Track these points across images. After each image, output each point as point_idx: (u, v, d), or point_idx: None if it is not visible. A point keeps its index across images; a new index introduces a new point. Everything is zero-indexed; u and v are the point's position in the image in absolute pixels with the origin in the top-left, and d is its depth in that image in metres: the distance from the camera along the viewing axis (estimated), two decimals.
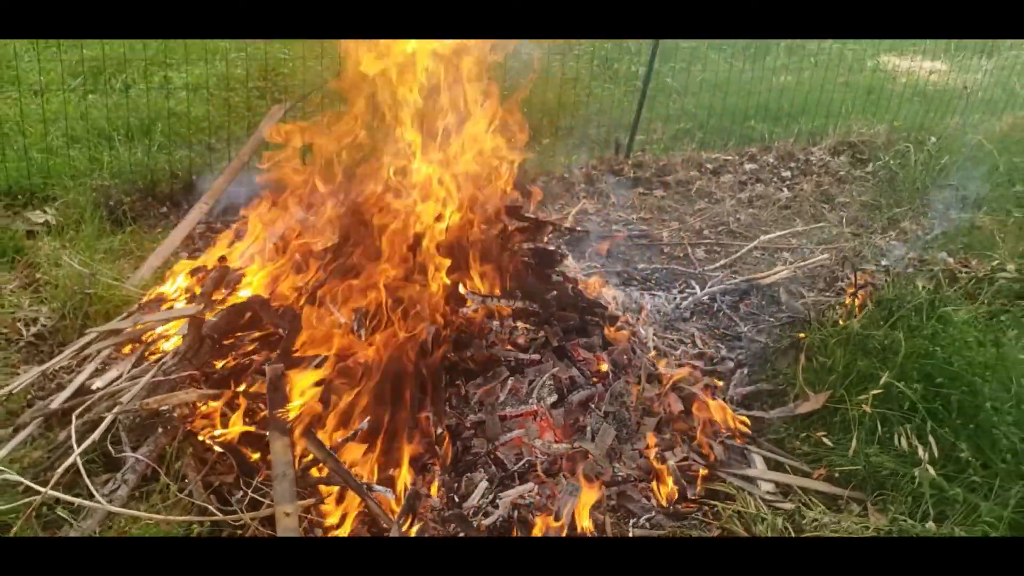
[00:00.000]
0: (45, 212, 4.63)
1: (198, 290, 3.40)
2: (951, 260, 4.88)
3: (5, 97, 5.46)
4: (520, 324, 3.53)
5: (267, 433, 2.88)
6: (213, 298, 3.29)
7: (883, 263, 4.97)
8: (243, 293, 3.36)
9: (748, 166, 6.11)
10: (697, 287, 4.63)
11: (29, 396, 3.36)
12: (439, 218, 3.41)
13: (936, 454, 3.16)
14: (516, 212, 3.65)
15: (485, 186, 3.52)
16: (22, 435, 3.01)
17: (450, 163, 3.44)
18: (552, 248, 3.85)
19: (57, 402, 3.16)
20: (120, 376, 3.24)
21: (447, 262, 3.34)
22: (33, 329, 3.82)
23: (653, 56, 6.02)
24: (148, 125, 5.45)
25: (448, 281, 3.36)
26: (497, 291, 3.49)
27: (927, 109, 7.02)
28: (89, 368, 3.35)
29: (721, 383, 3.84)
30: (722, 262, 4.90)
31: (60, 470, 2.76)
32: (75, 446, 2.83)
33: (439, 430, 3.15)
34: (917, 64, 8.23)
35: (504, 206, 3.57)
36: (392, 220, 3.33)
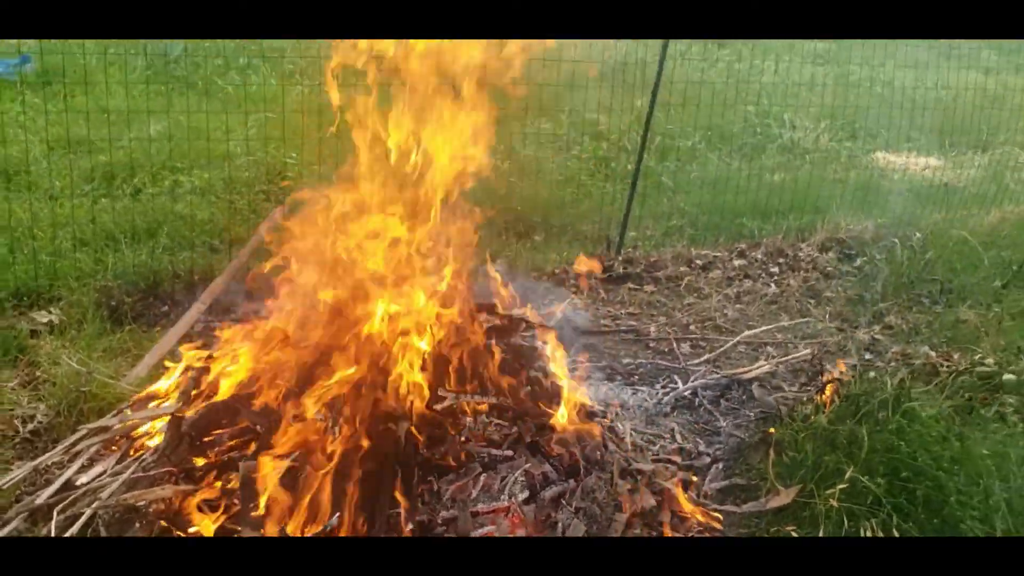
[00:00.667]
0: (50, 312, 4.82)
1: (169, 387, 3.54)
2: (933, 354, 4.94)
3: (21, 202, 5.73)
4: (494, 420, 3.63)
5: (239, 528, 2.98)
6: (195, 395, 3.42)
7: (866, 357, 5.05)
8: (225, 390, 3.49)
9: (737, 262, 6.25)
10: (680, 382, 4.71)
11: (18, 491, 3.49)
12: (416, 316, 3.57)
13: None
14: (490, 309, 3.78)
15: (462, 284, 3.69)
16: (6, 529, 3.12)
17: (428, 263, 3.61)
18: (528, 344, 3.97)
19: (42, 497, 3.27)
20: (104, 472, 3.36)
21: (420, 358, 3.46)
22: (30, 426, 3.96)
23: (641, 154, 6.24)
24: (154, 228, 5.69)
25: (422, 378, 3.48)
26: (471, 388, 3.59)
27: (919, 205, 7.17)
28: (76, 464, 3.47)
29: (696, 478, 3.89)
30: (706, 357, 4.99)
31: None
32: None
33: (410, 526, 3.22)
34: (911, 160, 8.43)
35: (478, 304, 3.72)
36: (368, 318, 3.48)
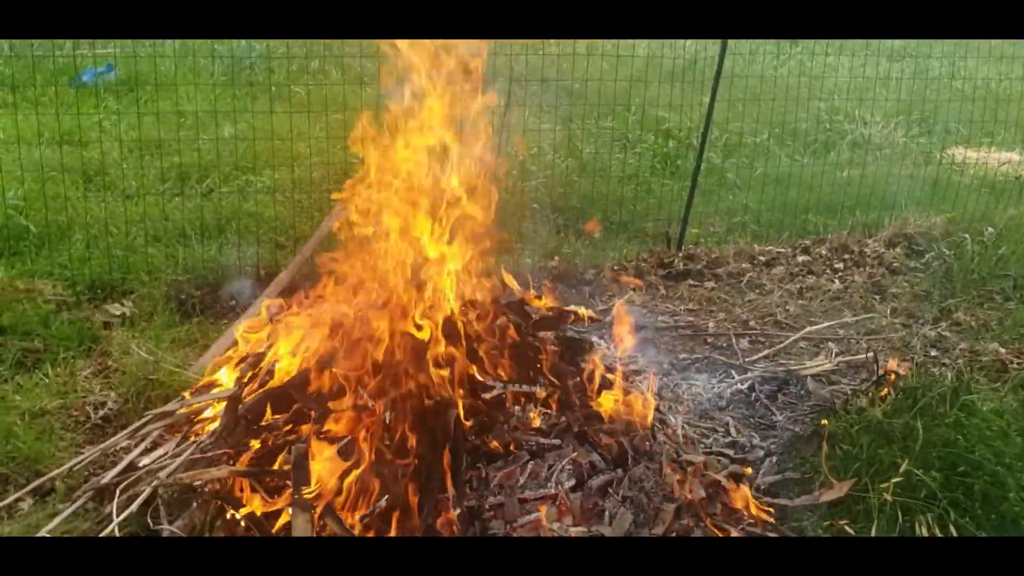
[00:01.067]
0: (122, 305, 5.03)
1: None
2: (1003, 350, 4.81)
3: (99, 201, 5.97)
4: (542, 409, 3.66)
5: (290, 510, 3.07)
6: (251, 380, 3.53)
7: (932, 353, 4.93)
8: (280, 375, 3.60)
9: (801, 258, 6.15)
10: (737, 376, 4.67)
11: (87, 473, 3.65)
12: (465, 307, 3.63)
13: None
14: (540, 301, 3.82)
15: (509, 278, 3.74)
16: (72, 507, 3.27)
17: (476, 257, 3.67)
18: (579, 337, 3.99)
19: (107, 478, 3.42)
20: (165, 454, 3.49)
21: (469, 347, 3.52)
22: (101, 412, 4.14)
23: (701, 151, 6.20)
24: (223, 224, 5.87)
25: (472, 367, 3.54)
26: (520, 377, 3.63)
27: (994, 200, 6.96)
28: (140, 447, 3.61)
29: (750, 471, 3.85)
30: (764, 352, 4.93)
31: None
32: (115, 517, 3.07)
33: (458, 511, 3.27)
34: (989, 155, 8.18)
35: (524, 296, 3.75)
36: (420, 307, 3.55)
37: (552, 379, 3.71)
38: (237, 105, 7.25)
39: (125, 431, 3.83)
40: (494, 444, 3.49)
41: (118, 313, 4.95)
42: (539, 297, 3.84)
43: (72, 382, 4.33)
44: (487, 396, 3.55)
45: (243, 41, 9.62)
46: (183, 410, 3.68)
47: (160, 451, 3.54)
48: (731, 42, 6.09)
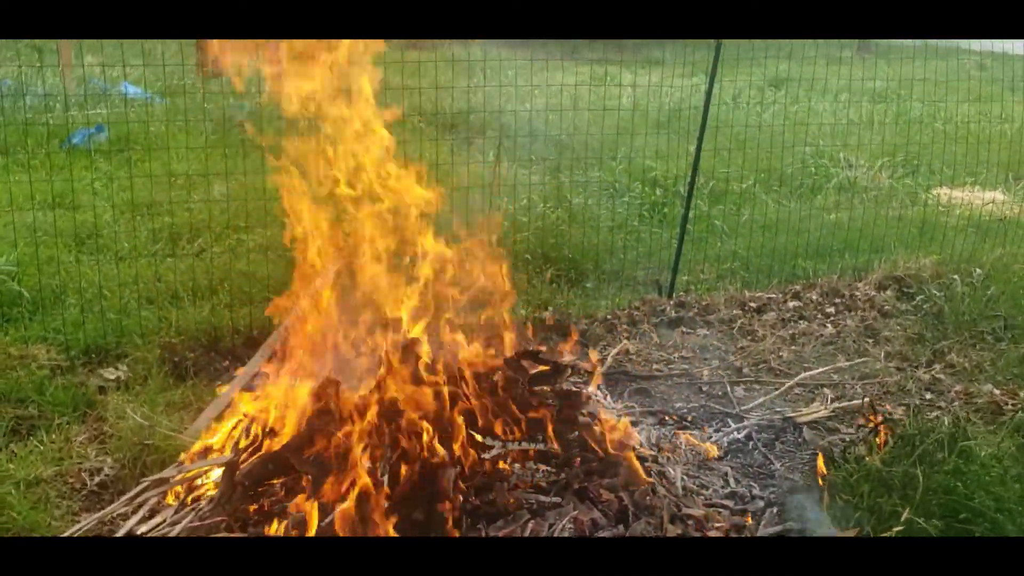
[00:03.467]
0: (117, 369, 5.01)
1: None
2: (997, 392, 4.83)
3: (91, 264, 5.98)
4: (542, 467, 3.66)
5: None
6: (247, 446, 3.52)
7: (927, 396, 4.95)
8: (277, 439, 3.59)
9: (791, 303, 6.18)
10: (733, 425, 4.67)
11: None
12: (461, 365, 3.64)
13: None
14: (534, 356, 3.82)
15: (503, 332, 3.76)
16: None
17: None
18: (576, 390, 4.00)
19: None
20: (164, 521, 3.47)
21: (467, 406, 3.52)
22: (97, 478, 4.11)
23: (689, 199, 6.27)
24: (215, 285, 5.87)
25: (469, 426, 3.54)
26: (518, 435, 3.63)
27: (980, 240, 7.03)
28: (137, 515, 3.59)
29: (750, 521, 3.84)
30: (760, 400, 4.94)
31: None
32: None
33: None
34: (974, 195, 8.28)
35: (522, 351, 3.77)
36: (415, 366, 3.56)
37: (551, 435, 3.70)
38: (228, 165, 7.28)
39: (122, 498, 3.80)
40: (494, 503, 3.48)
41: (112, 377, 4.94)
42: (536, 351, 3.85)
43: (67, 448, 4.30)
44: (486, 456, 3.55)
45: (231, 99, 9.70)
46: (180, 476, 3.65)
47: (159, 518, 3.52)
48: (714, 90, 6.18)
